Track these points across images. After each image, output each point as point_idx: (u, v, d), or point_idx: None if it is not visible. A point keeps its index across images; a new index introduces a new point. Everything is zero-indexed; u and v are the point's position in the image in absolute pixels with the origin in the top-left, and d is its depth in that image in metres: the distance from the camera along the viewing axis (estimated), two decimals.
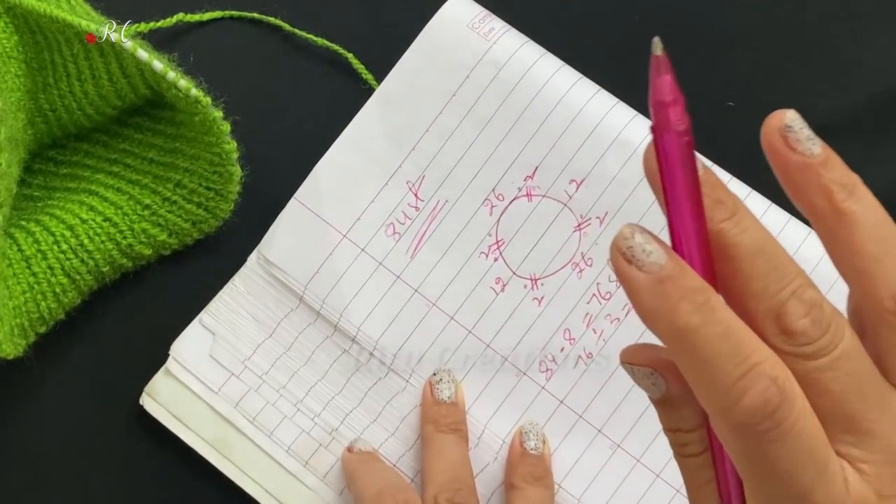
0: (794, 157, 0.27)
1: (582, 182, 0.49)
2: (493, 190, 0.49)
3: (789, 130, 0.27)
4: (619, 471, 0.48)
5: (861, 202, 0.27)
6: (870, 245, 0.27)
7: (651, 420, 0.48)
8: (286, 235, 0.50)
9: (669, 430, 0.30)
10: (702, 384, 0.26)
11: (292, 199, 0.50)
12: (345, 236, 0.49)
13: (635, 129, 0.49)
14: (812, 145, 0.27)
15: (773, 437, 0.26)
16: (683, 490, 0.47)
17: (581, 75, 0.50)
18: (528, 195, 0.49)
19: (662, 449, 0.48)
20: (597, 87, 0.49)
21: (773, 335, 0.26)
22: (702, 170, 0.27)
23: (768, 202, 0.48)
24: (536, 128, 0.49)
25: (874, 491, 0.27)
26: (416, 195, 0.49)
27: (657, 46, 0.26)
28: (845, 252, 0.27)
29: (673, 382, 0.29)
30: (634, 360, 0.29)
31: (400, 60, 0.50)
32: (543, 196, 0.49)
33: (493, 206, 0.49)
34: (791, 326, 0.26)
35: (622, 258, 0.26)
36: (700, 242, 0.26)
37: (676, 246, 0.27)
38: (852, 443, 0.27)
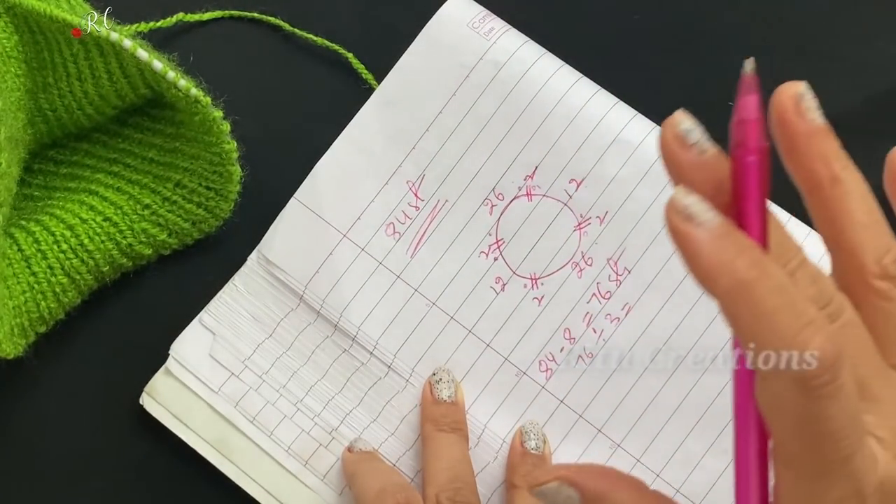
0: (802, 125, 0.28)
1: (582, 181, 0.49)
2: (493, 189, 0.49)
3: (802, 99, 0.28)
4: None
5: (854, 174, 0.29)
6: (859, 213, 0.29)
7: (651, 420, 0.48)
8: (286, 235, 0.50)
9: None
10: (762, 338, 0.26)
11: (292, 198, 0.50)
12: (345, 236, 0.49)
13: (635, 129, 0.49)
14: (819, 116, 0.29)
15: (829, 392, 0.26)
16: (683, 489, 0.48)
17: (581, 75, 0.50)
18: (528, 195, 0.49)
19: (662, 449, 0.48)
20: (597, 86, 0.49)
21: None
22: None
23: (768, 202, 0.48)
24: (536, 127, 0.49)
25: (892, 455, 0.27)
26: (416, 195, 0.49)
27: (749, 65, 0.28)
28: (836, 218, 0.29)
29: (583, 485, 0.30)
30: (541, 481, 0.30)
31: (400, 60, 0.50)
32: (543, 195, 0.49)
33: (493, 206, 0.49)
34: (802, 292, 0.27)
35: (679, 217, 0.26)
36: (765, 241, 0.27)
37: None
38: (866, 410, 0.28)
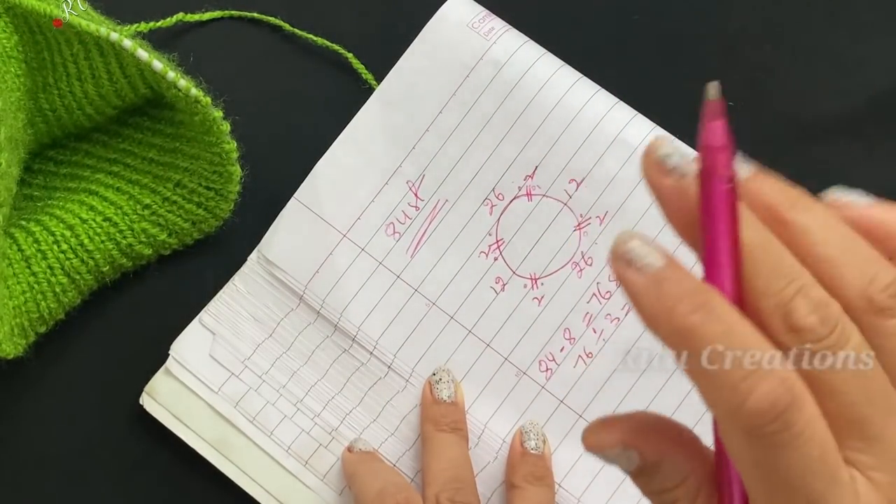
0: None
1: (582, 181, 0.49)
2: (493, 189, 0.49)
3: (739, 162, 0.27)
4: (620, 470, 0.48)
5: (808, 210, 0.27)
6: (828, 249, 0.26)
7: None
8: (286, 235, 0.50)
9: (652, 494, 0.29)
10: (706, 386, 0.25)
11: (292, 198, 0.50)
12: (345, 236, 0.49)
13: (635, 129, 0.49)
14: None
15: (783, 440, 0.24)
16: None
17: (581, 75, 0.50)
18: (528, 194, 0.49)
19: None
20: (597, 86, 0.49)
21: (781, 332, 0.25)
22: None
23: None
24: (536, 127, 0.49)
25: (886, 500, 0.26)
26: (416, 195, 0.49)
27: (713, 90, 0.26)
28: (805, 260, 0.26)
29: (646, 449, 0.28)
30: (602, 444, 0.28)
31: (400, 60, 0.50)
32: (543, 195, 0.49)
33: (493, 206, 0.49)
34: (798, 323, 0.25)
35: (620, 263, 0.25)
36: (735, 280, 0.26)
37: (711, 277, 0.26)
38: (861, 449, 0.26)
